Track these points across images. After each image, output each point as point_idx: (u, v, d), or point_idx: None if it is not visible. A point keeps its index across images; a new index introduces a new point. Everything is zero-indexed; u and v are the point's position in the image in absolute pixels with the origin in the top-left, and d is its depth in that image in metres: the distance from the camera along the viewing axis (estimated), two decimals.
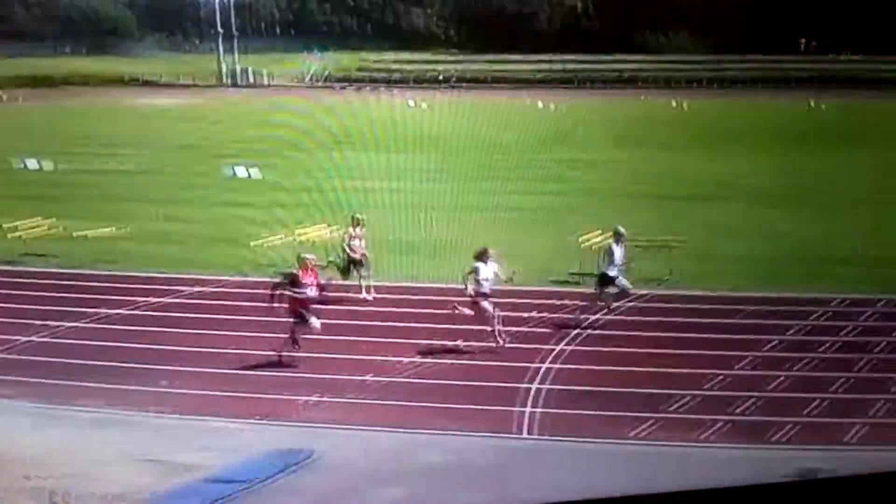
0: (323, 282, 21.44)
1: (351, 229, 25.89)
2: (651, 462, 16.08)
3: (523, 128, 63.25)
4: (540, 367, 19.94)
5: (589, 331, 22.31)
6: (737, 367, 19.83)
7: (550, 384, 19.12)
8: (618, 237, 23.18)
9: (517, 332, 21.92)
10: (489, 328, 21.23)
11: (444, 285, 24.47)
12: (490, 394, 18.77)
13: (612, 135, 60.07)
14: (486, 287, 21.28)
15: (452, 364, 20.34)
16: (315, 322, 20.54)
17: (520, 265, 26.80)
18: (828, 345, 21.03)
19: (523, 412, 17.77)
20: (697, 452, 16.33)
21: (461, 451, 16.30)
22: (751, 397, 18.19)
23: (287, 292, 20.58)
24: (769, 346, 21.06)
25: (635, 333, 22.12)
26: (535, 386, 18.99)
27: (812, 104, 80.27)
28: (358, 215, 26.39)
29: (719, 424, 17.10)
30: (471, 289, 21.30)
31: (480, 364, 20.29)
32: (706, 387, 18.85)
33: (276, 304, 20.66)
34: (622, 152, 53.17)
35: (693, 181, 43.45)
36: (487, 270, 21.30)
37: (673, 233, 28.76)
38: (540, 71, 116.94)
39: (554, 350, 21.00)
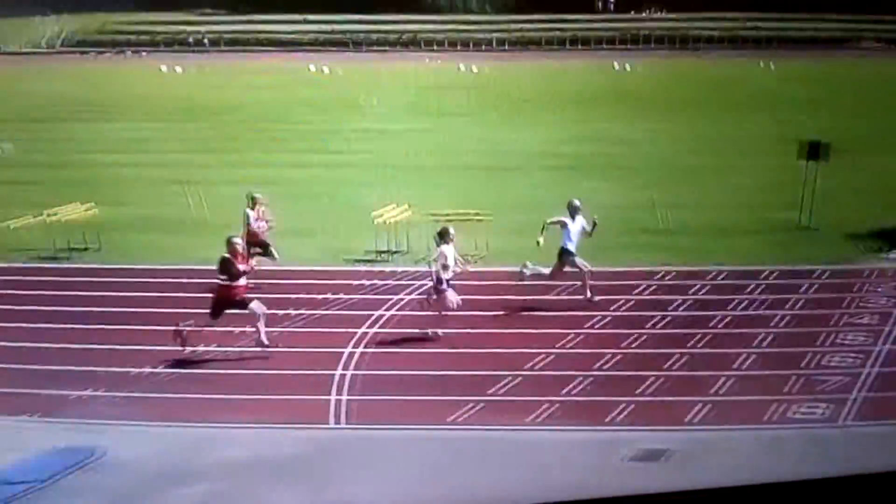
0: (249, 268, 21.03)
1: (249, 211, 25.04)
2: (476, 447, 16.53)
3: (301, 95, 63.27)
4: (349, 353, 20.18)
5: (397, 311, 22.69)
6: (562, 345, 20.50)
7: (361, 370, 19.37)
8: (573, 210, 23.44)
9: (323, 315, 22.16)
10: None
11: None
12: (296, 382, 18.95)
13: (401, 101, 60.60)
14: (451, 273, 21.42)
15: (255, 352, 20.38)
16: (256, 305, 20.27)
17: (316, 243, 27.23)
18: (657, 319, 21.94)
19: (334, 400, 17.99)
20: (528, 436, 16.88)
21: (267, 443, 16.42)
22: (581, 377, 18.80)
23: (217, 281, 20.29)
24: (594, 322, 21.82)
25: (447, 313, 22.56)
26: (343, 372, 19.23)
27: (617, 66, 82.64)
28: (256, 194, 25.49)
29: (548, 406, 17.62)
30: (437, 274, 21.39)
31: (285, 351, 20.38)
32: (531, 367, 19.41)
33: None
34: (415, 121, 53.77)
35: (495, 151, 44.28)
36: (451, 253, 21.44)
37: (478, 206, 29.31)
38: (311, 32, 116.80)
39: (363, 333, 21.27)
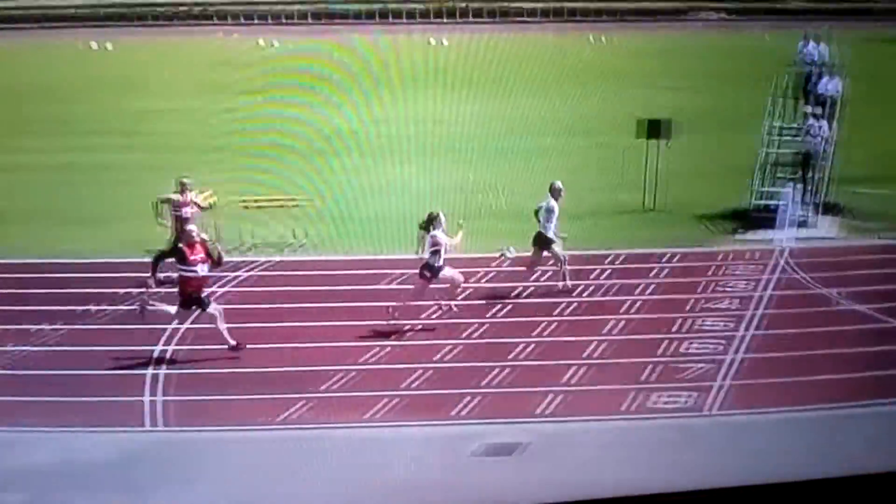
0: (216, 256, 20.73)
1: (176, 196, 24.90)
2: (309, 448, 16.72)
3: (81, 74, 62.39)
4: (160, 350, 20.23)
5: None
6: (397, 337, 20.79)
7: (176, 368, 19.47)
8: (556, 193, 23.91)
9: (128, 311, 22.07)
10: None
11: None
12: (106, 382, 18.89)
13: (188, 78, 60.17)
14: (443, 259, 21.64)
15: (55, 351, 20.26)
16: (213, 308, 20.38)
17: (112, 233, 27.02)
18: (499, 308, 22.35)
19: (148, 401, 18.00)
20: (365, 433, 17.11)
21: (77, 449, 16.36)
22: (420, 369, 19.15)
23: (178, 272, 20.42)
24: (432, 311, 22.14)
25: (265, 306, 22.66)
26: (156, 371, 19.26)
27: (433, 41, 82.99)
28: (186, 179, 25.29)
29: (387, 401, 17.89)
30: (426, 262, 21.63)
31: (88, 349, 20.26)
32: (365, 360, 19.67)
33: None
34: (212, 100, 53.31)
35: (301, 132, 44.03)
36: (443, 239, 21.66)
37: (289, 191, 29.42)
38: (87, 6, 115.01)
39: (174, 329, 21.22)
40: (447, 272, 21.85)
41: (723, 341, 20.15)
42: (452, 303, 21.98)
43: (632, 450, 16.10)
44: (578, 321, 21.53)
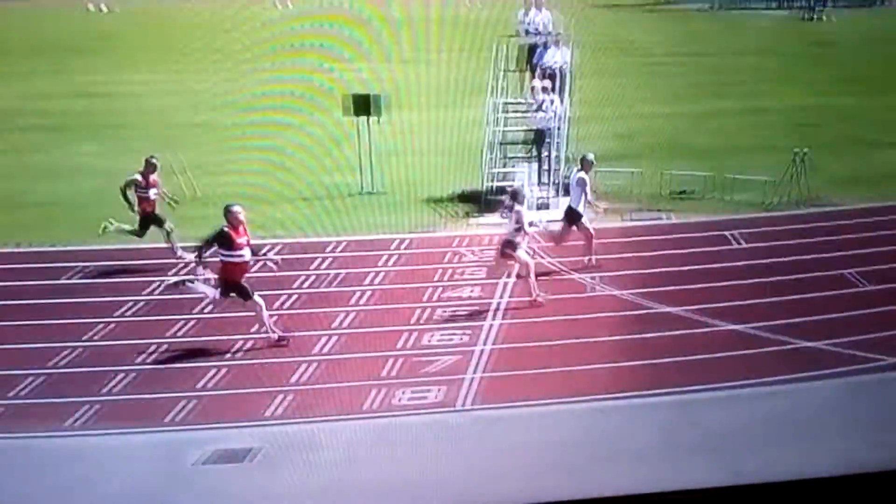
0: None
1: (139, 177, 24.82)
2: (14, 457, 16.59)
3: None
4: None
5: None
6: (90, 337, 20.68)
7: None
8: (588, 167, 25.09)
9: None
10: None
11: None
12: None
13: None
14: (524, 238, 22.33)
15: None
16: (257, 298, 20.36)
17: None
18: (207, 301, 22.39)
19: None
20: (64, 443, 17.00)
21: None
22: (122, 372, 19.14)
23: (220, 258, 20.31)
24: (126, 308, 22.16)
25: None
26: None
27: (92, 6, 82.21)
28: (154, 159, 25.12)
29: (87, 408, 17.80)
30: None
31: None
32: (55, 364, 19.57)
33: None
34: None
35: None
36: (524, 217, 22.29)
37: None
38: None
39: None
40: (521, 255, 22.47)
41: (468, 332, 20.61)
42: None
43: (379, 449, 16.35)
44: (304, 314, 21.71)
